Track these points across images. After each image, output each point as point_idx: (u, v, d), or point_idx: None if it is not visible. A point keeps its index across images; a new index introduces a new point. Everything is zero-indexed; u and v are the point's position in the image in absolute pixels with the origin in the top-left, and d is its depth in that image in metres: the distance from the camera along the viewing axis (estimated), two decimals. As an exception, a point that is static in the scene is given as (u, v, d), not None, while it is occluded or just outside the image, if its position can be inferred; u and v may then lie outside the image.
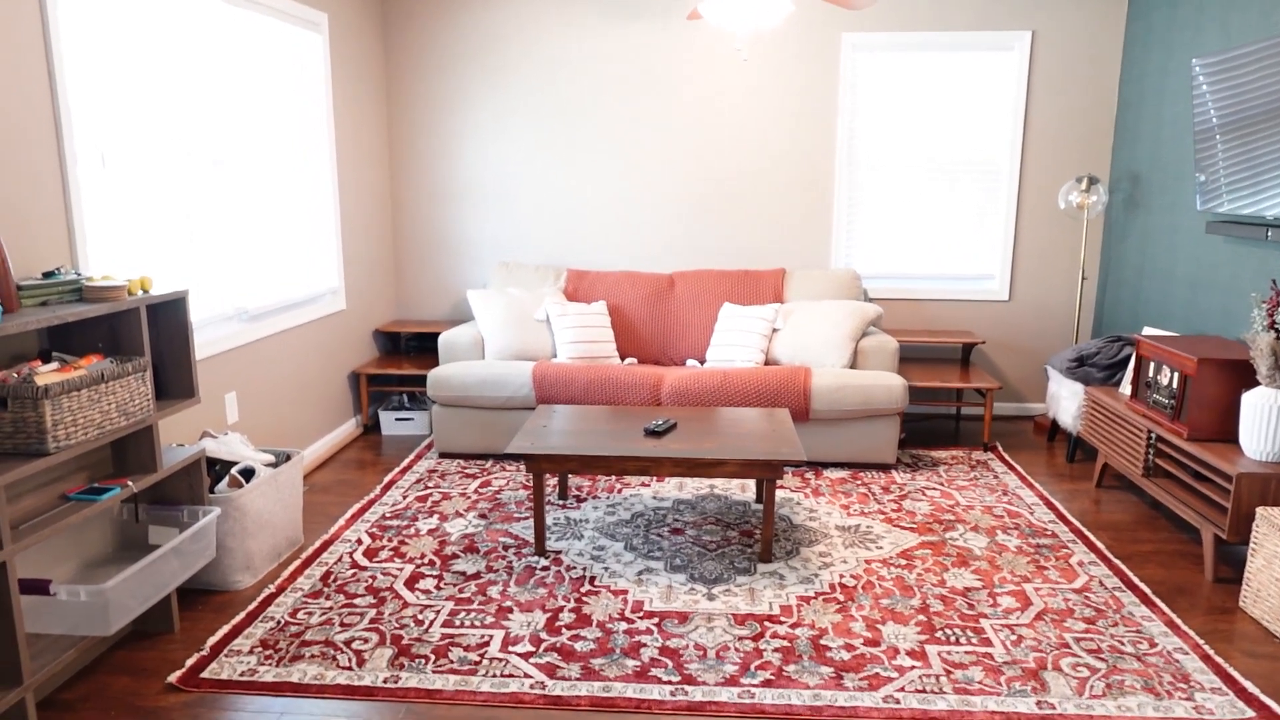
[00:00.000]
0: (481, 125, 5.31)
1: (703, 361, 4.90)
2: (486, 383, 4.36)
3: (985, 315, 5.34)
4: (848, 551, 3.39)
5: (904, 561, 3.31)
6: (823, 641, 2.73)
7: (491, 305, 4.72)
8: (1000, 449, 4.72)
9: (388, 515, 3.76)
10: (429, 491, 4.04)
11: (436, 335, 5.47)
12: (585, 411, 3.83)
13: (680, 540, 3.50)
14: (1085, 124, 5.08)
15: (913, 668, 2.59)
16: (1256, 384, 3.31)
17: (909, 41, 5.05)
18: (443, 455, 4.55)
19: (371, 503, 3.90)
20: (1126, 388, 4.11)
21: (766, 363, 4.65)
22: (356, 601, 3.00)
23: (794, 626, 2.82)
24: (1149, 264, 4.67)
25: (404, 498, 3.96)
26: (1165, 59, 4.51)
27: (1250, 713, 2.38)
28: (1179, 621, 2.87)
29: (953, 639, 2.76)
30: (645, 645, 2.71)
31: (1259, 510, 2.92)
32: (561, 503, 3.90)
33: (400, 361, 5.11)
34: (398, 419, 4.97)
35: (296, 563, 3.29)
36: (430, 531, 3.59)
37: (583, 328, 4.69)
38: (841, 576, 3.18)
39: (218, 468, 3.23)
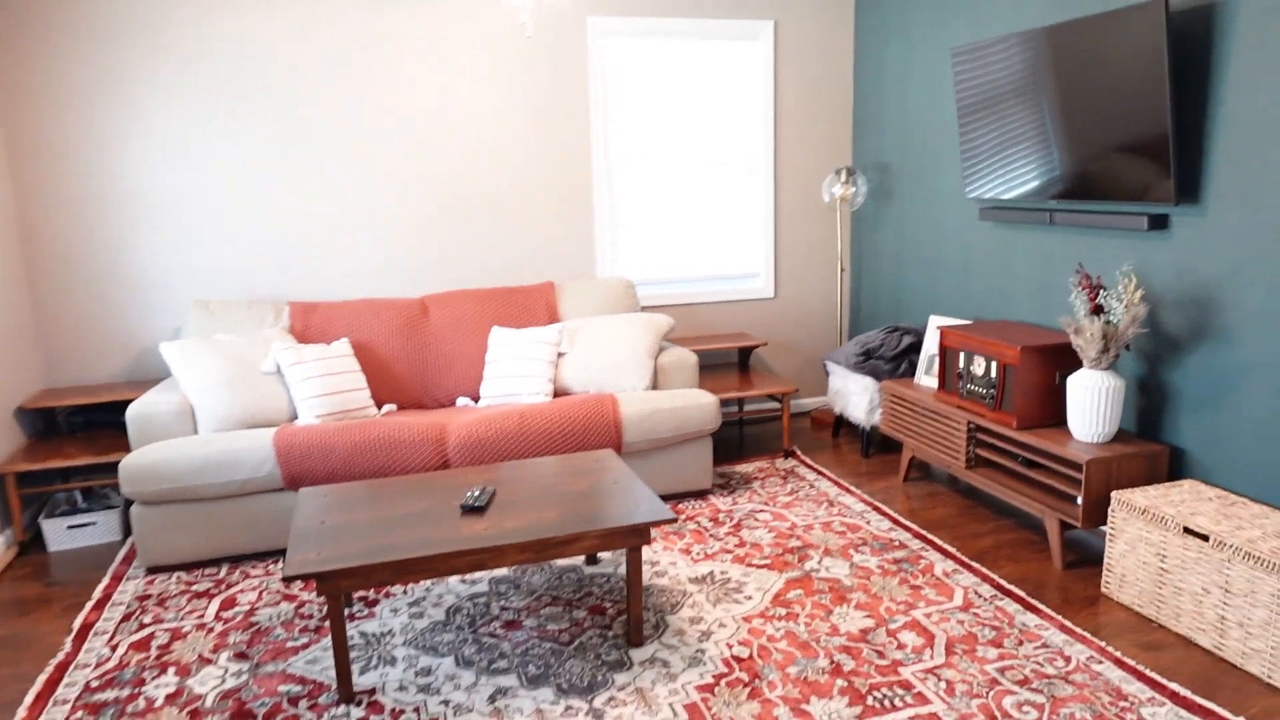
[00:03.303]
0: (146, 127, 4.06)
1: (477, 399, 4.17)
2: (210, 466, 3.28)
3: (754, 315, 5.17)
4: (719, 610, 2.92)
5: (783, 610, 2.91)
6: (757, 746, 2.23)
7: (198, 360, 3.60)
8: (800, 454, 4.54)
9: (96, 684, 2.61)
10: (149, 631, 2.91)
11: (113, 406, 4.15)
12: (366, 491, 2.97)
13: (522, 636, 2.80)
14: (829, 116, 5.07)
15: (869, 757, 2.18)
16: (1075, 368, 3.35)
17: (657, 28, 4.68)
18: (152, 570, 3.37)
19: (64, 667, 2.70)
20: (926, 379, 4.09)
21: (556, 393, 4.05)
22: None
23: (714, 732, 2.29)
24: (908, 253, 4.73)
25: (113, 649, 2.80)
26: (907, 49, 4.57)
27: (1199, 723, 2.27)
28: (1072, 625, 2.76)
29: (887, 703, 2.39)
30: (549, 814, 2.02)
31: (1115, 495, 2.90)
32: (348, 612, 3.00)
33: (62, 446, 3.77)
34: (70, 526, 3.65)
35: (-43, 805, 2.12)
36: (171, 698, 2.53)
37: (327, 375, 3.75)
38: (730, 647, 2.69)
39: None
